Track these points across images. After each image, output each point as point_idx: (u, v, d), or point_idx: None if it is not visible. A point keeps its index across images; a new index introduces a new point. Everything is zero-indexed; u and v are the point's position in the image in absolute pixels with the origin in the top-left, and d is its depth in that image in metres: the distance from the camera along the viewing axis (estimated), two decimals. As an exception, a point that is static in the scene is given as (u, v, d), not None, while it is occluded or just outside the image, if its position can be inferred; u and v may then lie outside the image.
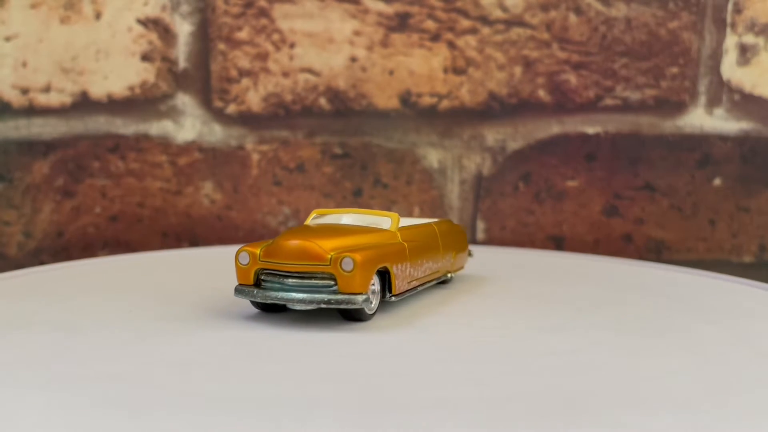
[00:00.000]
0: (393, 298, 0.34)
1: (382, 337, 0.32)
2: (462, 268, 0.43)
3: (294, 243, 0.33)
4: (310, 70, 0.59)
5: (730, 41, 0.59)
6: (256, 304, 0.35)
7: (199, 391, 0.25)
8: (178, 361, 0.28)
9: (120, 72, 0.59)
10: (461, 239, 0.43)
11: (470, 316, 0.35)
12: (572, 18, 0.59)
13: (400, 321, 0.34)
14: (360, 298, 0.32)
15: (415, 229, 0.38)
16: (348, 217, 0.39)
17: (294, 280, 0.33)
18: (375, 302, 0.34)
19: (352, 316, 0.33)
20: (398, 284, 0.34)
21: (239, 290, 0.34)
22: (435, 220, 0.43)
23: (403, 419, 0.22)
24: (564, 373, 0.27)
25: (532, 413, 0.23)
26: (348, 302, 0.32)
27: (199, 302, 0.37)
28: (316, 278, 0.33)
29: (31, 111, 0.59)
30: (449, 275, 0.41)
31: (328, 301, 0.32)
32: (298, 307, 0.33)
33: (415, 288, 0.37)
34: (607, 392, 0.25)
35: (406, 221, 0.41)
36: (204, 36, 0.59)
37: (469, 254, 0.45)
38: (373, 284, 0.33)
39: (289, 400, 0.24)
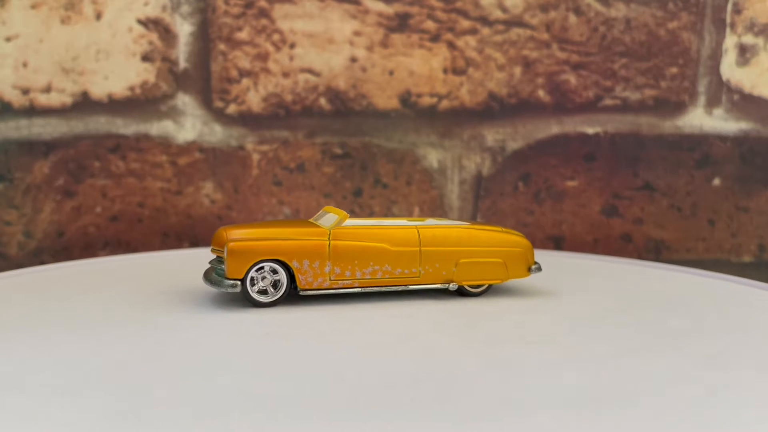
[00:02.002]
0: (301, 292, 0.37)
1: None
2: (498, 280, 0.40)
3: (218, 230, 0.38)
4: (310, 71, 0.59)
5: (730, 41, 0.59)
6: None
7: (203, 390, 0.25)
8: (179, 361, 0.28)
9: (120, 72, 0.59)
10: (491, 252, 0.39)
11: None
12: (572, 18, 0.59)
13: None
14: (237, 283, 0.36)
15: (370, 230, 0.38)
16: (329, 216, 0.40)
17: (218, 263, 0.38)
18: (280, 292, 0.37)
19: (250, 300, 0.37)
20: (306, 279, 0.37)
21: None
22: (462, 223, 0.40)
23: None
24: (568, 370, 0.27)
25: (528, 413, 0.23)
26: (229, 286, 0.36)
27: (200, 301, 0.38)
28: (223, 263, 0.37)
29: (32, 111, 0.59)
30: (451, 285, 0.39)
31: (218, 284, 0.36)
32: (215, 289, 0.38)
33: (351, 287, 0.37)
34: (601, 393, 0.25)
35: (437, 222, 0.40)
36: (204, 36, 0.59)
37: (531, 270, 0.40)
38: (274, 275, 0.37)
39: (286, 397, 0.24)
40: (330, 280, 0.37)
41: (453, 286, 0.39)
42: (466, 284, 0.39)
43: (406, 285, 0.38)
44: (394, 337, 0.32)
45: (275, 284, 0.37)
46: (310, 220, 0.41)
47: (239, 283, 0.36)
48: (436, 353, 0.29)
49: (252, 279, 0.36)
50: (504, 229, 0.41)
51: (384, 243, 0.38)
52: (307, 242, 0.37)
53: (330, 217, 0.40)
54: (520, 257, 0.40)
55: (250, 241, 0.36)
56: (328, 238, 0.37)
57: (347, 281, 0.37)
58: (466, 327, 0.33)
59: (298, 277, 0.37)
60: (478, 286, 0.40)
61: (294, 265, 0.37)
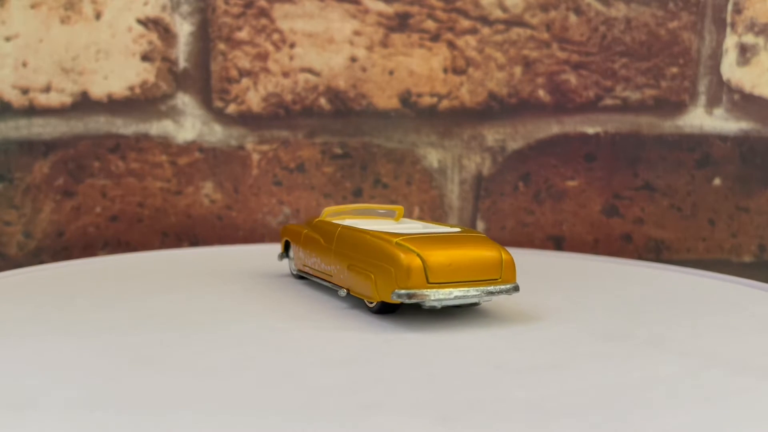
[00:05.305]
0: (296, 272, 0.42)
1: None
2: (368, 297, 0.32)
3: None
4: (310, 70, 0.59)
5: (730, 41, 0.59)
6: None
7: (206, 392, 0.25)
8: (179, 361, 0.28)
9: (120, 72, 0.59)
10: (367, 263, 0.32)
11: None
12: (572, 18, 0.59)
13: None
14: (280, 254, 0.44)
15: (326, 226, 0.39)
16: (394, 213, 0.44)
17: None
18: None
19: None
20: (296, 260, 0.42)
21: None
22: (444, 228, 0.36)
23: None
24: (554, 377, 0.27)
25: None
26: (279, 257, 0.44)
27: (200, 300, 0.38)
28: None
29: (32, 111, 0.59)
30: (340, 291, 0.34)
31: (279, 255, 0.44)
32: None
33: (310, 275, 0.40)
34: (601, 394, 0.25)
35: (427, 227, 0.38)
36: (204, 36, 0.59)
37: (400, 297, 0.30)
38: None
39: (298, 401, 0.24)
40: (303, 265, 0.41)
41: (342, 293, 0.34)
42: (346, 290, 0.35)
43: (329, 282, 0.37)
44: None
45: None
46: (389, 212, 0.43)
47: (280, 254, 0.44)
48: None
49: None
50: (402, 240, 0.31)
51: (321, 238, 0.38)
52: (298, 230, 0.42)
53: (392, 213, 0.43)
54: (386, 276, 0.30)
55: (289, 224, 0.43)
56: (307, 229, 0.41)
57: (308, 268, 0.40)
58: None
59: (295, 257, 0.42)
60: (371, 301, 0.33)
61: (293, 247, 0.42)
